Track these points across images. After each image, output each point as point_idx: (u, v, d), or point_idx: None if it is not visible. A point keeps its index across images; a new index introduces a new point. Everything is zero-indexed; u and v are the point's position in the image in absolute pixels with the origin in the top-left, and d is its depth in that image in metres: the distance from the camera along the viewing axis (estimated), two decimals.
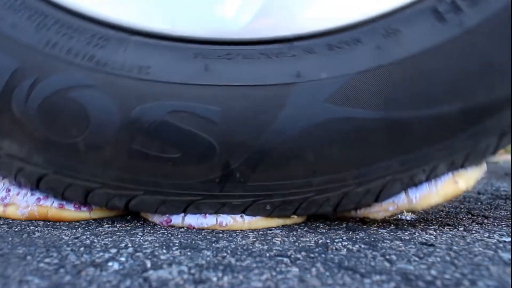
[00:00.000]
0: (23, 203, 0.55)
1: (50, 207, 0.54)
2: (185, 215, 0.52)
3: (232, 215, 0.52)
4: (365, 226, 0.54)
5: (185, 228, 0.52)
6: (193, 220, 0.52)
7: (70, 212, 0.55)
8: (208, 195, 0.50)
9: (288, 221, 0.54)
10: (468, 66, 0.47)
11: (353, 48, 0.48)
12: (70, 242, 0.45)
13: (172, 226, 0.53)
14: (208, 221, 0.52)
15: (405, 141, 0.48)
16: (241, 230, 0.51)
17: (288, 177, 0.49)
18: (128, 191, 0.51)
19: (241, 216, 0.52)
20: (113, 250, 0.42)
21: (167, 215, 0.53)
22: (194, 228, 0.52)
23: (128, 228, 0.53)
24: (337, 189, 0.50)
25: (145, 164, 0.49)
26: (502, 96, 0.48)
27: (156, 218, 0.54)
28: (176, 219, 0.53)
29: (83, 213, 0.55)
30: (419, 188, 0.51)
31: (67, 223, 0.54)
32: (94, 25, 0.49)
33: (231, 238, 0.48)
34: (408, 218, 0.60)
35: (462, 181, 0.51)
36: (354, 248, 0.44)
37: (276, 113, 0.47)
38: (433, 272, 0.37)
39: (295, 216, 0.53)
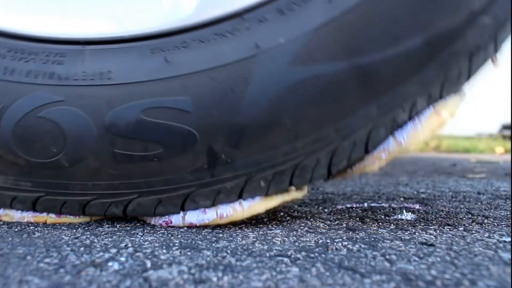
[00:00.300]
0: (17, 214, 0.54)
1: (48, 217, 0.54)
2: (184, 214, 0.52)
3: (231, 204, 0.51)
4: (365, 226, 0.54)
5: (185, 228, 0.52)
6: (193, 217, 0.52)
7: (70, 219, 0.55)
8: (201, 184, 0.50)
9: (287, 197, 0.53)
10: None
11: (304, 6, 0.48)
12: (70, 242, 0.45)
13: (173, 227, 0.53)
14: (208, 216, 0.51)
15: (376, 84, 0.48)
16: (241, 230, 0.51)
17: (272, 147, 0.49)
18: (123, 197, 0.51)
19: (239, 203, 0.51)
20: (113, 250, 0.42)
21: (167, 217, 0.53)
22: (195, 226, 0.52)
23: (128, 228, 0.53)
24: (323, 147, 0.49)
25: (132, 166, 0.49)
26: (461, 19, 0.48)
27: (156, 220, 0.54)
28: (176, 219, 0.52)
29: (83, 218, 0.55)
30: (405, 129, 0.51)
31: (67, 223, 0.54)
32: (46, 44, 0.50)
33: (231, 238, 0.48)
34: (408, 218, 0.60)
35: (445, 111, 0.51)
36: (354, 248, 0.44)
37: (244, 88, 0.47)
38: (433, 272, 0.37)
39: (293, 189, 0.52)
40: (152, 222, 0.54)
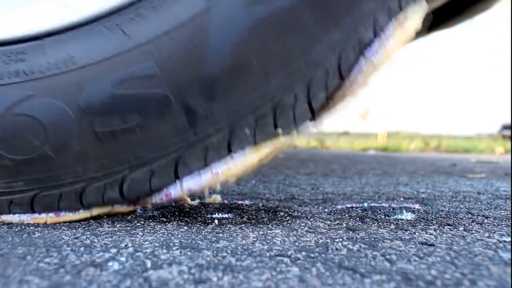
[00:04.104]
0: (15, 218, 0.54)
1: (48, 217, 0.54)
2: (181, 182, 0.52)
3: (223, 160, 0.51)
4: (365, 226, 0.54)
5: (185, 228, 0.52)
6: (190, 183, 0.52)
7: (69, 216, 0.55)
8: (187, 144, 0.51)
9: (278, 143, 0.52)
10: None
11: None
12: (70, 242, 0.45)
13: (175, 201, 0.52)
14: (204, 177, 0.51)
15: (332, 9, 0.49)
16: (241, 230, 0.51)
17: (246, 91, 0.50)
18: (115, 176, 0.51)
19: (231, 157, 0.51)
20: (113, 250, 0.42)
21: (164, 190, 0.52)
22: (195, 191, 0.51)
23: (128, 228, 0.53)
24: (297, 81, 0.50)
25: (116, 141, 0.50)
26: None
27: (156, 198, 0.53)
28: (175, 190, 0.52)
29: (83, 214, 0.55)
30: (373, 47, 0.51)
31: (68, 223, 0.54)
32: (3, 47, 0.51)
33: (231, 238, 0.48)
34: (408, 218, 0.60)
35: (408, 22, 0.51)
36: (354, 248, 0.44)
37: (205, 41, 0.48)
38: (433, 272, 0.37)
39: (281, 132, 0.52)
40: (153, 201, 0.53)
